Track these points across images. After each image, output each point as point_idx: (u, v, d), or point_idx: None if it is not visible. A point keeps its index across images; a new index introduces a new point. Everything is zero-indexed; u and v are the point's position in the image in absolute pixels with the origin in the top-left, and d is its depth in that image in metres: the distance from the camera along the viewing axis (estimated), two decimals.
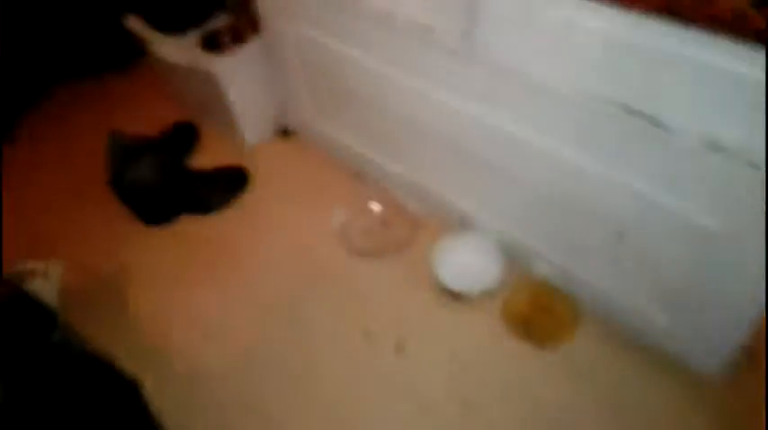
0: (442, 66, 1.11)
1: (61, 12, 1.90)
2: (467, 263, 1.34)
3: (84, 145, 1.87)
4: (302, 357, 1.31)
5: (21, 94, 1.99)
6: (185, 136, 1.75)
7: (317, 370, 1.28)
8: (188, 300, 1.45)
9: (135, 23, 1.66)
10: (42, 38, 1.93)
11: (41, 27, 1.91)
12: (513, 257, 1.32)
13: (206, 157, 1.76)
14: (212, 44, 1.61)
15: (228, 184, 1.65)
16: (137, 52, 1.82)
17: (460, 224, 1.40)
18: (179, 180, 1.61)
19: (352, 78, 1.35)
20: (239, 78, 1.59)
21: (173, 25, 1.63)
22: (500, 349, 1.26)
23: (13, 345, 1.03)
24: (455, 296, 1.32)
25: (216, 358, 1.33)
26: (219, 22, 1.66)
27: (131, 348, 1.31)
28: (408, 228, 1.46)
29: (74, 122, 1.97)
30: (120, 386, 1.05)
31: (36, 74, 2.02)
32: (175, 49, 1.61)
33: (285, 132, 1.78)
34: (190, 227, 1.62)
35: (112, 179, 1.59)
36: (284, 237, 1.55)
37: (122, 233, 1.62)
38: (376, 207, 1.53)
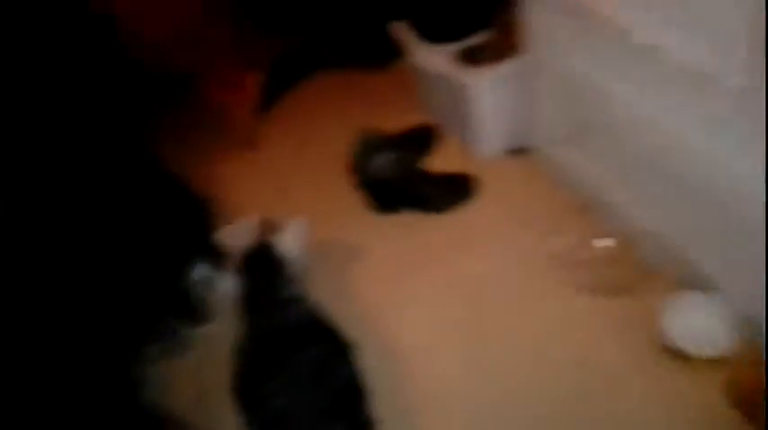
0: (716, 113, 1.06)
1: (338, 6, 2.12)
2: (698, 324, 1.26)
3: (330, 129, 2.08)
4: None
5: (290, 73, 2.26)
6: (424, 138, 1.87)
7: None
8: (406, 283, 1.57)
9: (400, 29, 1.80)
10: (318, 27, 2.17)
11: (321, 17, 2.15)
12: (749, 329, 1.22)
13: (438, 161, 1.86)
14: (470, 58, 1.69)
15: (454, 190, 1.73)
16: (395, 55, 1.99)
17: (696, 282, 1.32)
18: (412, 177, 1.73)
19: (609, 112, 1.34)
20: (489, 94, 1.65)
21: (438, 37, 1.74)
22: (717, 425, 1.17)
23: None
24: (677, 356, 1.25)
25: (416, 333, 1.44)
26: (481, 38, 1.74)
27: (351, 315, 1.43)
28: (633, 272, 1.41)
29: (325, 108, 2.19)
30: None
31: (305, 59, 2.27)
32: (434, 58, 1.72)
33: (517, 151, 1.81)
34: (412, 221, 1.73)
35: (355, 166, 1.76)
36: (497, 251, 1.59)
37: (353, 214, 1.78)
38: (601, 243, 1.50)
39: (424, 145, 1.86)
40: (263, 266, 1.21)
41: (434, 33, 1.75)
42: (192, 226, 1.69)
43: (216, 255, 1.66)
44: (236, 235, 1.43)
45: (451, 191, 1.73)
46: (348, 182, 1.81)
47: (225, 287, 1.65)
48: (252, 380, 1.06)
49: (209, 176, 1.97)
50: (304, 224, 1.51)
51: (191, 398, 1.42)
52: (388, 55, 2.12)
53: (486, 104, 1.68)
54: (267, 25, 2.23)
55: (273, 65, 2.20)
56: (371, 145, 1.74)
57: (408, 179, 1.72)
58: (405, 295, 1.55)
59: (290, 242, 1.39)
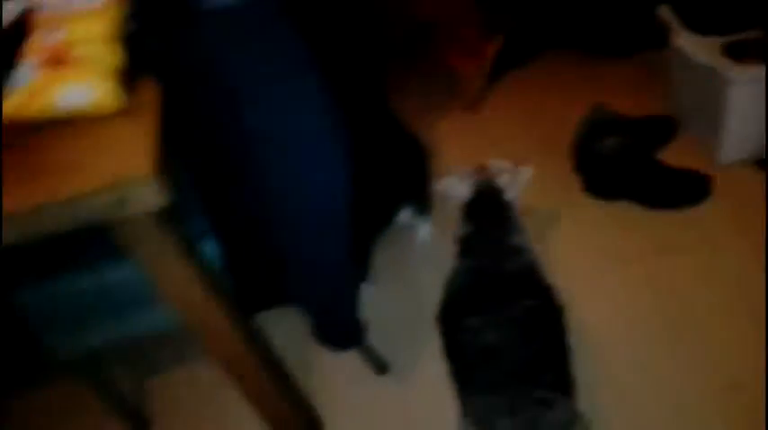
0: None
1: None
2: None
3: (557, 107, 2.05)
4: None
5: (525, 47, 2.27)
6: (662, 128, 1.77)
7: None
8: (607, 277, 1.52)
9: (666, 12, 1.71)
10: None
11: None
12: None
13: (671, 157, 1.75)
14: (735, 52, 1.57)
15: (688, 188, 1.64)
16: (640, 46, 1.91)
17: None
18: (642, 166, 1.66)
19: None
20: (749, 93, 1.53)
21: (705, 27, 1.64)
22: None
23: None
24: None
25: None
26: (750, 34, 1.60)
27: None
28: None
29: (556, 87, 2.16)
30: None
31: (541, 36, 2.26)
32: (696, 46, 1.62)
33: (761, 163, 1.66)
34: (629, 212, 1.67)
35: (579, 144, 1.72)
36: (714, 265, 1.49)
37: (567, 195, 1.76)
38: None
39: (662, 136, 1.76)
40: (490, 210, 1.24)
41: (701, 22, 1.64)
42: (410, 170, 1.78)
43: (423, 203, 1.74)
44: (457, 184, 1.46)
45: (685, 189, 1.64)
46: (567, 161, 1.78)
47: (424, 234, 1.73)
48: (464, 311, 1.10)
49: (428, 128, 2.06)
50: (529, 173, 1.46)
51: None
52: (633, 45, 2.06)
53: (741, 103, 1.56)
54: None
55: (508, 36, 2.21)
56: (602, 124, 1.70)
57: (638, 167, 1.66)
58: (600, 288, 1.51)
59: (511, 188, 1.37)
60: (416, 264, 1.71)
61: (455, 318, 1.12)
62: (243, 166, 0.92)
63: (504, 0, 2.17)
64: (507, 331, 1.04)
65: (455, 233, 1.27)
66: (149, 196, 0.80)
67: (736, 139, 1.64)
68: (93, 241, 1.22)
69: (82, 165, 0.83)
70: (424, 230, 1.76)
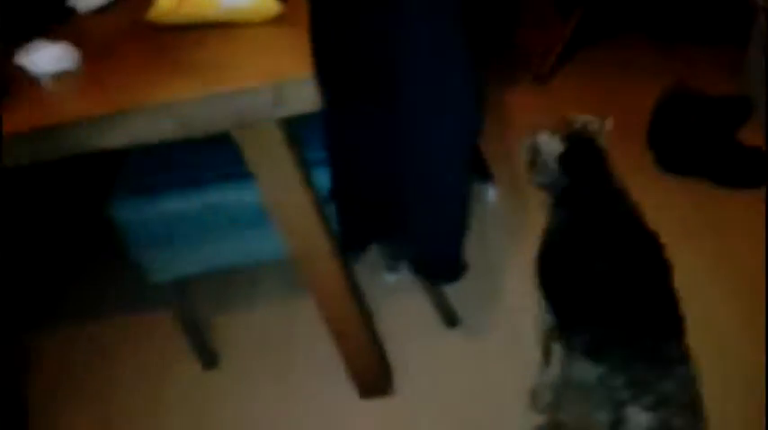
0: None
1: None
2: None
3: (631, 86, 2.06)
4: None
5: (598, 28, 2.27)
6: (740, 108, 1.78)
7: None
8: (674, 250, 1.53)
9: None
10: None
11: None
12: None
13: (747, 137, 1.76)
14: None
15: (761, 169, 1.65)
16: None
17: None
18: (719, 144, 1.67)
19: None
20: None
21: None
22: None
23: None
24: None
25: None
26: None
27: None
28: None
29: (630, 67, 2.17)
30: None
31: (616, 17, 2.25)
32: None
33: None
34: (701, 189, 1.68)
35: (656, 118, 1.74)
36: None
37: (638, 167, 1.74)
38: None
39: (739, 116, 1.77)
40: (588, 159, 1.25)
41: None
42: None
43: (484, 170, 1.76)
44: (548, 139, 1.47)
45: (759, 168, 1.65)
46: (639, 137, 1.79)
47: (492, 196, 1.76)
48: (572, 251, 1.11)
49: (498, 101, 2.08)
50: (611, 123, 1.47)
51: None
52: (703, 33, 2.06)
53: None
54: None
55: (582, 16, 2.21)
56: (683, 100, 1.71)
57: (716, 145, 1.67)
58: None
59: (599, 137, 1.38)
60: (484, 225, 1.73)
61: (562, 256, 1.13)
62: (381, 91, 0.93)
63: None
64: (618, 268, 1.04)
65: (550, 186, 1.28)
66: (307, 97, 0.82)
67: None
68: (204, 161, 1.26)
69: (240, 64, 0.86)
70: (492, 193, 1.79)
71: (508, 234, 1.72)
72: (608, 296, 1.00)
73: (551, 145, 1.34)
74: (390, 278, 1.64)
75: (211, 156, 1.25)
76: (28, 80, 0.90)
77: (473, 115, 1.03)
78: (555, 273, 1.12)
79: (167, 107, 0.83)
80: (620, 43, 2.26)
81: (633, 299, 0.99)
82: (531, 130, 1.53)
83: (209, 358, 1.55)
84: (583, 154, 1.28)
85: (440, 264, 1.21)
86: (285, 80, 0.81)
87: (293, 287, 1.66)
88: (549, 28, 2.16)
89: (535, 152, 1.35)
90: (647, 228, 1.11)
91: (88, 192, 1.99)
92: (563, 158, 1.30)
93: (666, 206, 1.65)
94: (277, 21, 0.89)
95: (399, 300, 1.59)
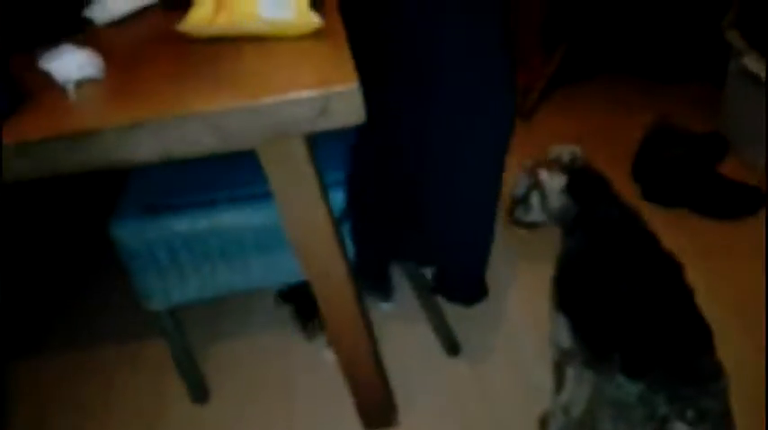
0: None
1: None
2: None
3: (610, 123, 2.14)
4: None
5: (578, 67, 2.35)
6: (716, 145, 1.86)
7: None
8: None
9: (734, 34, 1.82)
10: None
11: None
12: None
13: (726, 172, 1.84)
14: None
15: (744, 200, 1.72)
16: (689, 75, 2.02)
17: None
18: (703, 177, 1.74)
19: None
20: None
21: None
22: None
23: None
24: None
25: None
26: None
27: None
28: None
29: (609, 104, 2.25)
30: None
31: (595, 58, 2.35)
32: (763, 67, 1.72)
33: None
34: (686, 219, 1.74)
35: (642, 152, 1.80)
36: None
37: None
38: None
39: (718, 152, 1.85)
40: (593, 186, 1.27)
41: None
42: None
43: None
44: (550, 176, 1.49)
45: (741, 200, 1.72)
46: (622, 170, 1.85)
47: None
48: (592, 271, 1.12)
49: None
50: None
51: None
52: (688, 72, 2.17)
53: None
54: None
55: (565, 54, 2.28)
56: (665, 135, 1.78)
57: (699, 177, 1.73)
58: None
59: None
60: None
61: (584, 279, 1.13)
62: (413, 93, 0.93)
63: (564, 20, 2.25)
64: (645, 288, 1.05)
65: (557, 220, 1.29)
66: (353, 108, 0.81)
67: None
68: (214, 181, 1.22)
69: (282, 75, 0.84)
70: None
71: (505, 261, 1.73)
72: (638, 315, 1.00)
73: (554, 179, 1.36)
74: (386, 307, 1.61)
75: (222, 177, 1.22)
76: (51, 87, 0.86)
77: (507, 122, 1.02)
78: (578, 294, 1.12)
79: (204, 117, 0.80)
80: (600, 81, 2.35)
81: (664, 317, 1.00)
82: (523, 168, 1.57)
83: (201, 393, 1.48)
84: (588, 180, 1.31)
85: (463, 282, 1.20)
86: (332, 91, 0.80)
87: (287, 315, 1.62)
88: (531, 64, 2.22)
89: (532, 190, 1.37)
90: (664, 247, 1.13)
91: (83, 211, 1.94)
92: (570, 188, 1.31)
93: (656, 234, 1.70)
94: (314, 34, 0.88)
95: (397, 329, 1.56)
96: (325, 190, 1.05)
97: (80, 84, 0.87)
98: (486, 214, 1.09)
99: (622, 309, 1.01)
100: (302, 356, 1.53)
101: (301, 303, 1.41)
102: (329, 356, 1.45)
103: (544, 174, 1.32)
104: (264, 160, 0.93)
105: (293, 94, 0.80)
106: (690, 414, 0.86)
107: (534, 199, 1.33)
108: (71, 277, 1.87)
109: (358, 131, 1.00)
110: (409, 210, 1.07)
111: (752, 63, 1.75)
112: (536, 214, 1.33)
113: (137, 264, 1.20)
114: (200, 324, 1.61)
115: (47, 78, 0.86)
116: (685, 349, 0.95)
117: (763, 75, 1.71)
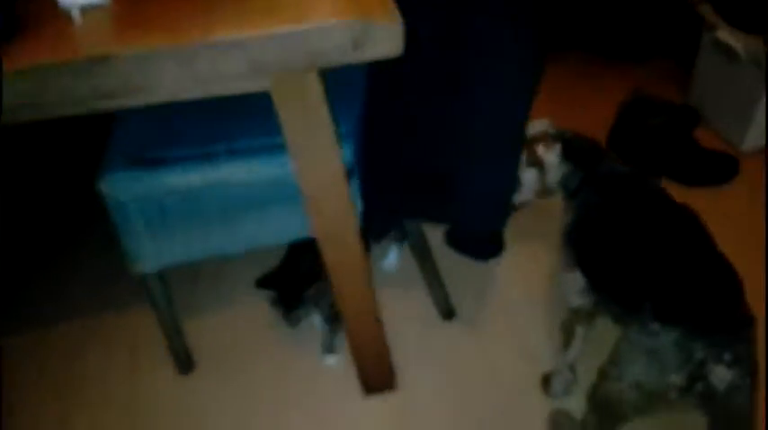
0: None
1: None
2: None
3: (584, 100, 2.14)
4: None
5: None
6: (688, 116, 1.90)
7: None
8: None
9: (707, 9, 1.87)
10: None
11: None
12: None
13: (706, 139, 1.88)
14: None
15: (719, 168, 1.78)
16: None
17: None
18: (680, 146, 1.79)
19: None
20: None
21: (751, 26, 1.79)
22: None
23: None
24: None
25: None
26: None
27: None
28: None
29: (581, 81, 2.25)
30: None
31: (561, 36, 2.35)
32: (737, 39, 1.77)
33: None
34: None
35: (618, 123, 1.83)
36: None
37: None
38: None
39: (689, 123, 1.90)
40: (588, 151, 1.28)
41: (744, 20, 1.80)
42: None
43: None
44: (545, 150, 1.48)
45: (716, 168, 1.77)
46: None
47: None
48: (606, 226, 1.12)
49: None
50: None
51: None
52: (649, 51, 2.23)
53: None
54: None
55: None
56: (642, 105, 1.81)
57: (678, 146, 1.78)
58: None
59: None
60: None
61: (603, 233, 1.13)
62: (440, 68, 0.89)
63: None
64: (669, 238, 1.06)
65: (564, 185, 1.29)
66: (392, 40, 0.77)
67: (755, 128, 1.81)
68: (211, 132, 1.15)
69: (318, 4, 0.78)
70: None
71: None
72: (665, 264, 1.01)
73: (551, 152, 1.35)
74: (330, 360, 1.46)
75: (220, 128, 1.15)
76: (55, 12, 0.78)
77: (535, 65, 1.00)
78: (596, 251, 1.12)
79: (235, 44, 0.74)
80: (569, 59, 2.38)
81: (692, 264, 1.01)
82: None
83: (187, 363, 1.40)
84: (583, 144, 1.31)
85: (482, 242, 1.18)
86: (371, 21, 0.75)
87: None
88: None
89: (528, 167, 1.36)
90: (673, 200, 1.14)
91: (63, 168, 1.81)
92: (568, 155, 1.30)
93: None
94: None
95: (391, 293, 1.53)
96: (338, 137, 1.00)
97: (86, 9, 0.79)
98: (511, 163, 1.07)
99: (648, 259, 1.01)
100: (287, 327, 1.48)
101: (282, 290, 1.36)
102: (331, 360, 1.42)
103: (541, 149, 1.31)
104: (278, 100, 0.88)
105: (330, 22, 0.75)
106: (727, 356, 0.88)
107: (527, 176, 1.32)
108: (40, 245, 1.74)
109: (372, 73, 0.96)
110: (428, 158, 1.03)
111: (725, 35, 1.81)
112: (525, 193, 1.33)
113: (126, 222, 1.12)
114: (179, 295, 1.52)
115: (51, 5, 0.78)
116: (719, 295, 0.96)
117: (736, 46, 1.77)
